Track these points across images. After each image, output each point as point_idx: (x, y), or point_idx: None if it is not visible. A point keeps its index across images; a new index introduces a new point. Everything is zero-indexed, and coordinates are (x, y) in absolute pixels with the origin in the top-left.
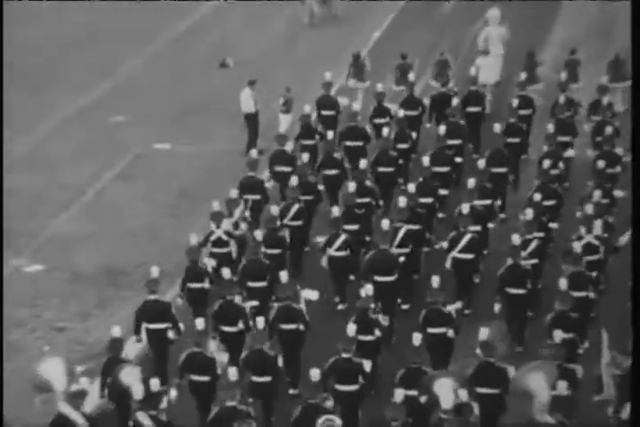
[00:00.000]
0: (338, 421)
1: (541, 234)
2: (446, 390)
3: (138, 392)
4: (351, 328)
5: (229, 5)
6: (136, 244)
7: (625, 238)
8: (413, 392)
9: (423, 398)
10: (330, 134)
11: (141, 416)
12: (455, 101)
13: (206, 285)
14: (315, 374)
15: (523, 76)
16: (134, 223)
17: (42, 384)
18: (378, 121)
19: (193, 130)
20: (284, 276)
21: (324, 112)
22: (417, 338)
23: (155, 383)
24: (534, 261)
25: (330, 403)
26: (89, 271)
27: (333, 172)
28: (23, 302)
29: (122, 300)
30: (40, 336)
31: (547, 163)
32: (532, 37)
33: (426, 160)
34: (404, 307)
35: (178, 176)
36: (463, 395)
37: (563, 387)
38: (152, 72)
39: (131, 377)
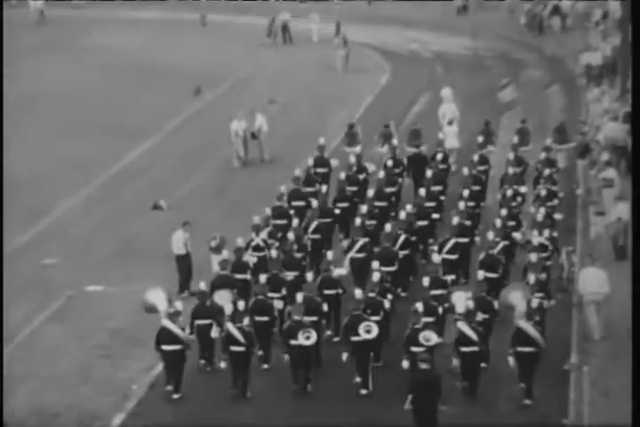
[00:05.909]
0: (374, 326)
1: (507, 242)
2: (460, 300)
3: (228, 310)
4: (376, 276)
5: (163, 147)
6: (68, 385)
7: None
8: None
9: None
10: (324, 188)
11: (231, 327)
12: (439, 156)
13: (248, 276)
14: (358, 292)
15: (480, 139)
16: (66, 365)
17: (149, 307)
18: (358, 176)
19: (126, 272)
20: (329, 255)
21: (319, 169)
22: (426, 281)
23: (241, 304)
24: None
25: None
26: (20, 414)
27: (345, 204)
28: None
29: None
30: None
31: (509, 192)
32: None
33: (422, 192)
34: (403, 294)
35: (110, 318)
36: (471, 304)
37: (536, 302)
38: (85, 214)
39: (224, 299)
